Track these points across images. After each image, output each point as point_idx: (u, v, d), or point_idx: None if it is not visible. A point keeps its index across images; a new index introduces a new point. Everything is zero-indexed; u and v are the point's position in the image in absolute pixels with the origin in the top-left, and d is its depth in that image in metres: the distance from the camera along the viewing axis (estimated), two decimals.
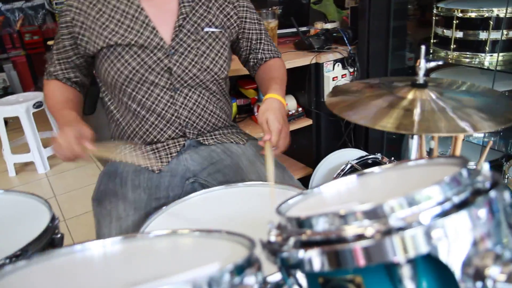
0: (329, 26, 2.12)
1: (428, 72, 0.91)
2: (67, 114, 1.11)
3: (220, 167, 1.20)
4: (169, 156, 1.20)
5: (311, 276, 0.46)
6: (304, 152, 2.20)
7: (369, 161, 1.77)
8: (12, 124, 3.51)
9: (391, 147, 2.16)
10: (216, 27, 1.19)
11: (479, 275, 0.39)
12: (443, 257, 0.40)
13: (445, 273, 0.40)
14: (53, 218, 0.81)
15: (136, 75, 1.12)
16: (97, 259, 0.49)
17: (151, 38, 1.12)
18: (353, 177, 0.58)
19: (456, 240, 0.40)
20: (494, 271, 0.38)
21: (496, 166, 1.91)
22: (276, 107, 1.12)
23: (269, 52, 1.33)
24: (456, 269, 0.40)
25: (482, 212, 0.41)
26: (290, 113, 2.05)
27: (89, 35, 1.12)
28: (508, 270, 0.38)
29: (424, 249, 0.39)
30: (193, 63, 1.15)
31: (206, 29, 1.17)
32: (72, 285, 0.44)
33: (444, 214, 0.41)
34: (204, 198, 0.95)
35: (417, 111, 0.85)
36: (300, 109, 2.07)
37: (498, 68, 1.69)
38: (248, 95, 2.13)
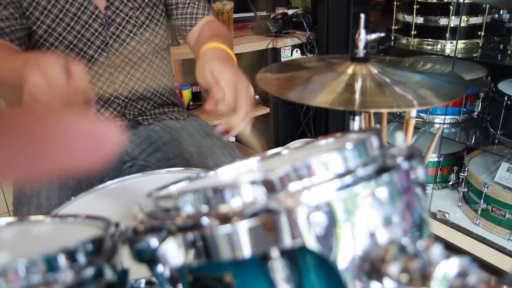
0: (289, 11, 2.03)
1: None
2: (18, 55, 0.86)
3: (160, 145, 1.10)
4: None
5: (181, 273, 0.36)
6: (262, 141, 2.11)
7: None
8: None
9: None
10: None
11: (375, 274, 0.29)
12: (335, 248, 0.30)
13: (335, 269, 0.30)
14: None
15: (74, 50, 0.99)
16: None
17: (84, 5, 0.99)
18: (256, 158, 0.48)
19: (352, 226, 0.31)
20: (394, 269, 0.29)
21: (457, 158, 1.87)
22: (221, 56, 0.84)
23: (197, 9, 1.09)
24: (350, 264, 0.30)
25: (383, 191, 0.31)
26: None
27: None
28: (412, 267, 0.29)
29: (309, 236, 0.29)
30: (131, 35, 1.04)
31: None
32: None
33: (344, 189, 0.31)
34: (120, 187, 0.84)
35: (357, 86, 0.76)
36: (257, 96, 1.98)
37: (459, 55, 1.64)
38: None
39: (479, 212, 1.64)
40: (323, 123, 1.99)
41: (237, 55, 1.24)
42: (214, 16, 1.14)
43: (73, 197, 0.81)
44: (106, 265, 0.35)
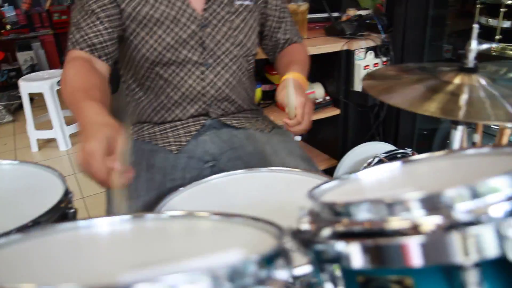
0: (363, 12, 2.02)
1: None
2: (90, 108, 0.84)
3: (242, 153, 1.13)
4: (188, 135, 1.14)
5: (349, 274, 0.39)
6: (330, 142, 2.12)
7: (399, 156, 1.67)
8: (37, 101, 3.52)
9: (422, 143, 2.05)
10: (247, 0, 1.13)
11: None
12: None
13: None
14: (66, 192, 0.77)
15: (170, 50, 1.06)
16: (103, 237, 0.44)
17: (183, 8, 1.05)
18: (396, 163, 0.50)
19: None
20: None
21: None
22: (296, 85, 0.99)
23: (290, 33, 1.23)
24: None
25: None
26: (317, 101, 1.97)
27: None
28: None
29: (495, 251, 0.32)
30: (226, 36, 1.09)
31: (238, 2, 1.11)
32: (72, 263, 0.38)
33: None
34: (224, 182, 0.89)
35: (464, 97, 0.77)
36: (328, 97, 1.99)
37: None
38: (274, 80, 2.05)
39: None
40: (394, 127, 1.97)
41: (311, 56, 1.26)
42: (301, 43, 1.25)
43: (182, 188, 0.86)
44: (288, 267, 0.38)
